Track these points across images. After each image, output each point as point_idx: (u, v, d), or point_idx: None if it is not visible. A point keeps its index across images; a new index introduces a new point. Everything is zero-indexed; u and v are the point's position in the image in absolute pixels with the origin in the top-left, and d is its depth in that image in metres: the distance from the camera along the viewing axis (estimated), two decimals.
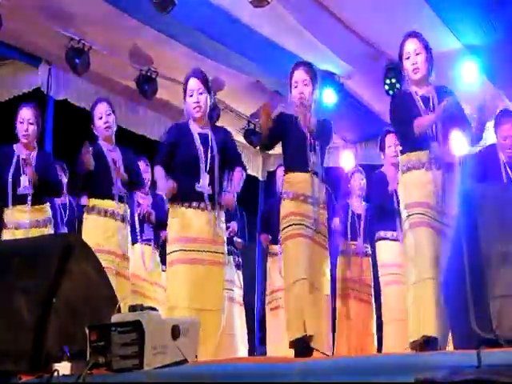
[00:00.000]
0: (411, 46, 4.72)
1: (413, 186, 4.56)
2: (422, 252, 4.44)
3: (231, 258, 7.09)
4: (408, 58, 4.70)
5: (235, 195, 5.06)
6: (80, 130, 7.45)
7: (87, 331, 2.85)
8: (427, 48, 4.73)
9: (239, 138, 9.73)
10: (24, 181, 5.70)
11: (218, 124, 8.31)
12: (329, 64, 8.08)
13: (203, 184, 4.96)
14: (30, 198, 5.70)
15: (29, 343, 3.00)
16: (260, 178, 10.76)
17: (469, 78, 7.74)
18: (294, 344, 4.81)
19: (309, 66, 5.22)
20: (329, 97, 8.31)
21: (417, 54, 4.69)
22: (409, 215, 4.52)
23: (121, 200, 5.54)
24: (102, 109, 5.69)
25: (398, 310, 6.04)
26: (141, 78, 8.18)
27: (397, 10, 6.88)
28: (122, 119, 8.32)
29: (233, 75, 8.17)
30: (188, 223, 4.94)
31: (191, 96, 5.11)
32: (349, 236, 7.25)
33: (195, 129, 5.11)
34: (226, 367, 2.96)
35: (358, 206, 7.39)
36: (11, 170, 5.73)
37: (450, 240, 4.05)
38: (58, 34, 7.39)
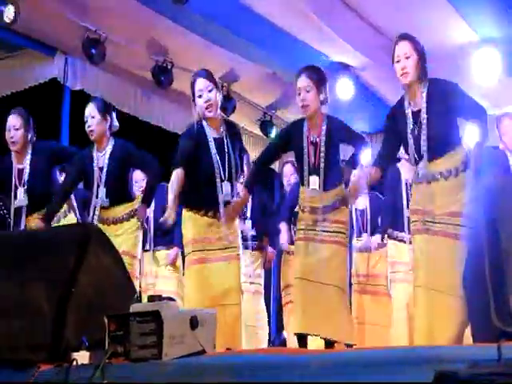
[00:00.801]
0: (402, 49, 4.62)
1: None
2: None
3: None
4: (398, 61, 4.61)
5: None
6: None
7: (106, 321, 2.86)
8: (419, 50, 4.60)
9: (255, 129, 9.73)
10: (20, 193, 5.60)
11: (234, 116, 8.34)
12: (344, 56, 8.06)
13: (225, 192, 5.01)
14: (24, 209, 5.65)
15: (47, 332, 3.01)
16: (276, 170, 10.75)
17: (485, 70, 7.70)
18: (297, 337, 4.97)
19: (312, 70, 5.13)
20: (344, 89, 8.30)
21: (407, 58, 4.57)
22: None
23: None
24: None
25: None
26: (156, 69, 8.18)
27: (413, 1, 6.86)
28: (137, 110, 8.35)
29: (249, 66, 8.17)
30: (200, 230, 5.03)
31: (200, 97, 5.07)
32: (355, 231, 7.30)
33: (210, 133, 5.10)
34: (244, 358, 2.98)
35: (359, 201, 7.32)
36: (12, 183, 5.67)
37: (469, 234, 4.05)
38: (75, 24, 7.40)
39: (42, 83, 8.03)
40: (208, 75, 5.13)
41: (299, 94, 5.04)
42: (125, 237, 5.35)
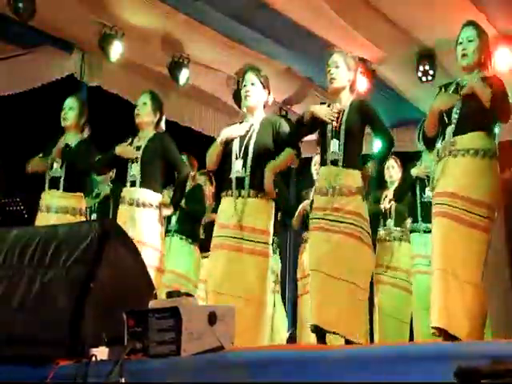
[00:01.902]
0: (465, 33, 4.68)
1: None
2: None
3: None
4: (461, 43, 4.68)
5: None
6: (113, 116, 7.51)
7: (125, 317, 2.87)
8: (482, 38, 4.69)
9: None
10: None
11: None
12: (361, 50, 8.02)
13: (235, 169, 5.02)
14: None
15: (66, 328, 3.02)
16: (292, 165, 10.72)
17: (504, 65, 7.65)
18: (313, 329, 4.91)
19: (345, 53, 5.20)
20: (360, 83, 8.27)
21: (469, 41, 4.65)
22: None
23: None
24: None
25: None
26: (173, 64, 8.19)
27: None
28: None
29: (264, 61, 8.14)
30: (221, 210, 5.08)
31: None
32: (381, 223, 7.25)
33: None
34: (263, 354, 2.97)
35: (388, 192, 7.35)
36: None
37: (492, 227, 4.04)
38: (91, 21, 7.42)
39: (58, 79, 8.05)
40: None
41: (329, 71, 5.07)
42: (146, 226, 5.44)
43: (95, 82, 8.07)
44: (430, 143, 4.81)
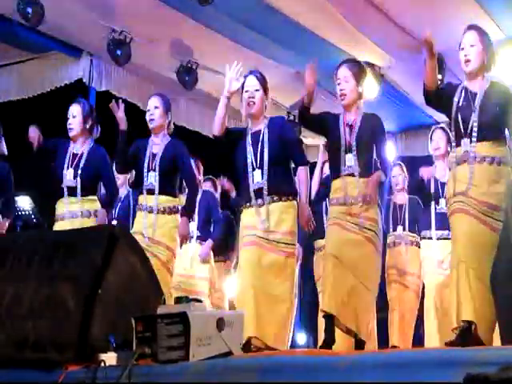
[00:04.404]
0: (468, 38, 4.66)
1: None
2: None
3: None
4: (463, 49, 4.66)
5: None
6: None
7: (133, 322, 2.88)
8: (485, 42, 4.66)
9: None
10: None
11: None
12: (369, 54, 8.02)
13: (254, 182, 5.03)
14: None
15: (74, 333, 3.03)
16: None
17: (511, 68, 7.63)
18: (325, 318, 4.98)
19: (353, 63, 5.22)
20: (369, 88, 8.27)
21: (471, 46, 4.63)
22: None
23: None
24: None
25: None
26: (181, 69, 8.21)
27: (439, 0, 6.82)
28: None
29: (272, 66, 8.15)
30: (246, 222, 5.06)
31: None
32: (390, 227, 7.27)
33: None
34: (271, 359, 2.97)
35: (401, 198, 7.38)
36: None
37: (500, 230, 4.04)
38: (100, 26, 7.44)
39: (67, 84, 8.08)
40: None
41: (339, 84, 5.10)
42: (165, 230, 5.48)
43: (104, 86, 8.09)
44: (430, 99, 4.76)
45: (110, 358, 2.93)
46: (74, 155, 5.73)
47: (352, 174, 5.00)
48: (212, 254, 7.21)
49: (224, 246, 7.72)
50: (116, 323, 3.11)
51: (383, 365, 2.19)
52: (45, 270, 3.24)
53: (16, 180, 6.36)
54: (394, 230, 7.29)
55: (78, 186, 5.63)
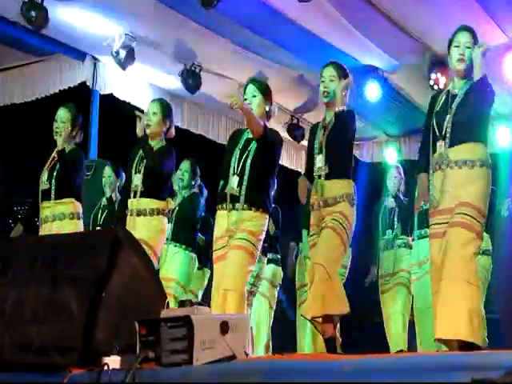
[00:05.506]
0: (463, 37, 4.67)
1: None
2: None
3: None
4: (457, 46, 4.67)
5: None
6: (125, 124, 7.51)
7: (137, 325, 2.87)
8: (475, 45, 4.64)
9: (282, 132, 9.71)
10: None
11: None
12: (373, 58, 8.02)
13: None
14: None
15: (78, 336, 3.02)
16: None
17: None
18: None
19: (339, 65, 5.22)
20: (372, 91, 8.27)
21: (467, 47, 4.63)
22: None
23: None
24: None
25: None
26: (185, 73, 8.21)
27: (443, 4, 6.82)
28: None
29: (276, 70, 8.16)
30: (217, 224, 5.09)
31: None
32: (380, 231, 7.34)
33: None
34: (275, 363, 2.97)
35: (391, 201, 7.44)
36: None
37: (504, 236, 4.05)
38: (103, 29, 7.44)
39: (71, 87, 8.09)
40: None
41: (323, 82, 5.13)
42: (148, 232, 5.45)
43: (107, 90, 8.10)
44: None
45: (113, 362, 2.93)
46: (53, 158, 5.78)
47: (320, 176, 5.04)
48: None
49: None
50: (119, 326, 3.10)
51: (388, 369, 2.19)
52: (48, 273, 3.24)
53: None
54: (384, 234, 7.35)
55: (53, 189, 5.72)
